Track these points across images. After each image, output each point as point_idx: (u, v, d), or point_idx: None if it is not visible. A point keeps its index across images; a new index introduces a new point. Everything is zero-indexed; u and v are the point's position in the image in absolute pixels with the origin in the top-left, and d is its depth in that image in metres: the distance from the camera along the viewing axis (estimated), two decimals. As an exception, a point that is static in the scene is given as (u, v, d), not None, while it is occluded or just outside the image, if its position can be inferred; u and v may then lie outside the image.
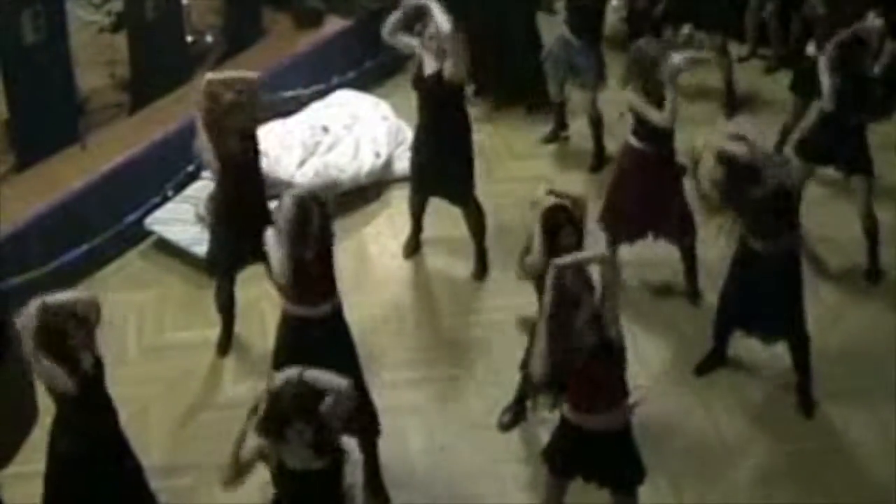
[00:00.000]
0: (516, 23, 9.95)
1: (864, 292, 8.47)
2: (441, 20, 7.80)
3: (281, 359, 6.90)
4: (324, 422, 5.55)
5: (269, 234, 6.64)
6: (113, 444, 6.30)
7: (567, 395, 6.27)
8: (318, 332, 6.76)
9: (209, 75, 7.64)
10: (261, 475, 6.80)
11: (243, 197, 7.47)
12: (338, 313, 6.88)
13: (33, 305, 6.02)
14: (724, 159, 6.98)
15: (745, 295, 7.43)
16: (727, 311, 7.63)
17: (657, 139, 7.93)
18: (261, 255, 7.45)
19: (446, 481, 7.26)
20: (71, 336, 5.97)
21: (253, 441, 5.60)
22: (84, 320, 6.07)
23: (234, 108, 7.39)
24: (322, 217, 6.63)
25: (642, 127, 7.93)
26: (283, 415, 5.49)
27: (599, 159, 9.65)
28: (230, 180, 7.50)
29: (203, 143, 7.43)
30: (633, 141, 8.02)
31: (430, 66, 8.00)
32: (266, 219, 7.32)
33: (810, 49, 9.03)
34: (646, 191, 8.02)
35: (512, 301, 8.40)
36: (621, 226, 8.07)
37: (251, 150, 7.57)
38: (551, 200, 6.77)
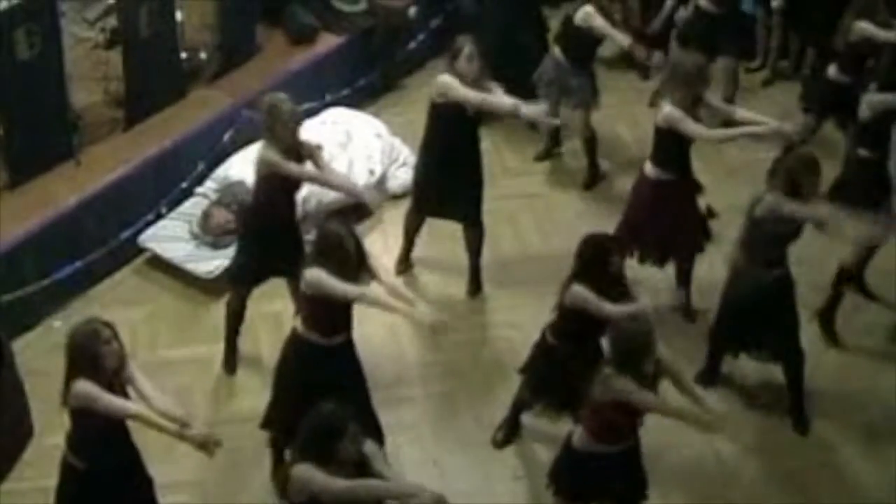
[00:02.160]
0: (525, 47, 9.92)
1: (858, 311, 8.48)
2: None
3: (287, 381, 6.88)
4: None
5: (317, 272, 6.54)
6: (127, 458, 6.31)
7: (587, 430, 6.32)
8: (330, 361, 6.76)
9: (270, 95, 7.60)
10: (256, 479, 6.85)
11: (279, 210, 7.47)
12: (350, 342, 6.89)
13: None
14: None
15: (741, 318, 7.45)
16: (722, 333, 7.65)
17: (678, 164, 7.93)
18: (283, 271, 7.55)
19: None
20: (108, 345, 6.03)
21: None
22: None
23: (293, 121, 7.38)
24: (358, 248, 6.66)
25: (663, 151, 7.89)
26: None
27: (593, 178, 9.66)
28: (271, 192, 7.45)
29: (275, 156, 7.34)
30: (651, 169, 7.96)
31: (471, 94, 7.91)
32: (295, 235, 7.44)
33: (832, 72, 9.07)
34: (666, 221, 8.00)
35: (505, 318, 8.43)
36: (638, 250, 8.09)
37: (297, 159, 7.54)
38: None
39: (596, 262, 6.71)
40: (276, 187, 7.45)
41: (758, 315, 7.36)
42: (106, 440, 6.15)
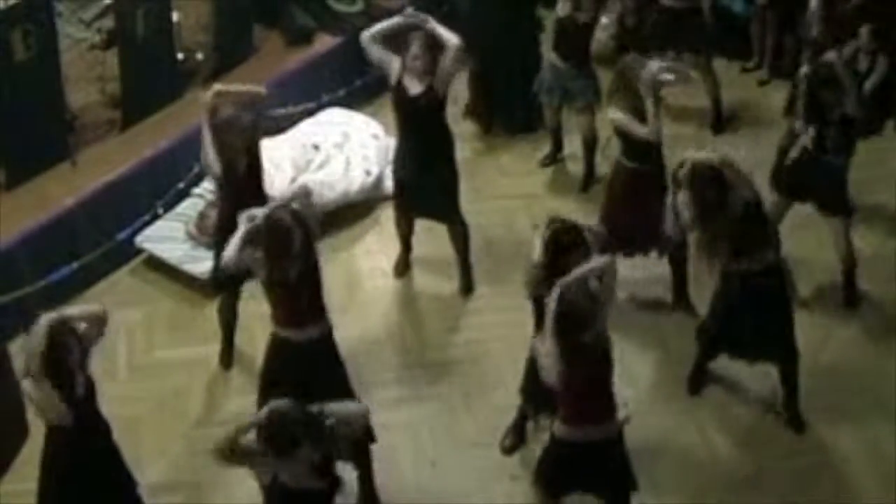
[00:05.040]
0: (519, 47, 9.92)
1: (850, 311, 8.48)
2: (448, 35, 7.84)
3: (269, 382, 6.88)
4: (331, 447, 5.64)
5: (234, 236, 6.58)
6: (106, 461, 6.30)
7: (560, 411, 6.30)
8: (306, 356, 6.76)
9: (216, 86, 7.65)
10: (252, 480, 6.82)
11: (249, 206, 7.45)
12: (327, 336, 6.88)
13: (42, 325, 5.98)
14: (696, 174, 6.99)
15: (734, 319, 7.43)
16: (714, 337, 7.64)
17: (647, 157, 7.96)
18: None
19: (437, 499, 7.26)
20: (69, 353, 5.96)
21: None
22: (82, 338, 6.07)
23: (232, 124, 7.39)
24: (304, 235, 6.61)
25: (631, 147, 7.95)
26: (293, 436, 5.52)
27: (589, 179, 9.64)
28: (233, 194, 7.45)
29: (210, 155, 7.41)
30: (624, 160, 8.04)
31: (414, 87, 7.97)
32: None
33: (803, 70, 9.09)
34: (639, 209, 8.00)
35: (502, 318, 8.41)
36: (616, 243, 8.07)
37: (253, 165, 7.56)
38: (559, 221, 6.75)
39: (558, 250, 6.67)
40: (240, 187, 7.43)
41: (749, 315, 7.35)
42: (82, 442, 6.16)
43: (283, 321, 6.76)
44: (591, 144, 9.55)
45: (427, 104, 7.99)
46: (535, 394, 7.09)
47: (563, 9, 9.00)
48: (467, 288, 8.71)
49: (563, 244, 6.60)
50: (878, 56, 9.25)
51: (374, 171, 9.35)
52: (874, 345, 8.22)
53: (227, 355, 8.05)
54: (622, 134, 7.95)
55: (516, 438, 7.54)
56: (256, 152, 7.58)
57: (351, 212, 9.27)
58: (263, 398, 6.88)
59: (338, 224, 9.08)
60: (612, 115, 7.87)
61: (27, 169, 8.58)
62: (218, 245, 7.71)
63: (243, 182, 7.49)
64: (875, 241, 8.69)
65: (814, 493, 7.29)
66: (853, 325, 8.38)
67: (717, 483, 7.35)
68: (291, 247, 6.54)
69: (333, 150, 9.30)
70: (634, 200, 8.03)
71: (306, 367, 6.71)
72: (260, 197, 7.59)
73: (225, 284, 7.80)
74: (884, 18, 8.95)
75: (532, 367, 7.07)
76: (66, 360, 5.98)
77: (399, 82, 7.98)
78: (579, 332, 6.05)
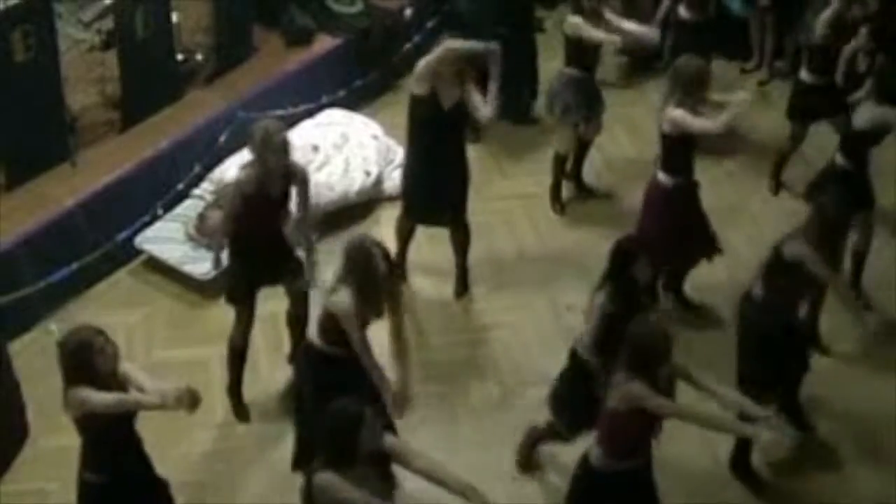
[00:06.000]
0: (517, 45, 9.90)
1: (852, 318, 8.49)
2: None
3: (312, 398, 6.76)
4: None
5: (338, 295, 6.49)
6: (142, 467, 6.30)
7: (606, 444, 6.20)
8: (349, 372, 6.67)
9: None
10: (255, 481, 6.84)
11: (263, 224, 7.33)
12: None
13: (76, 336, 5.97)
14: None
15: (767, 356, 7.41)
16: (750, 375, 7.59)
17: (685, 169, 7.92)
18: (274, 280, 7.48)
19: (437, 499, 7.23)
20: (104, 357, 5.92)
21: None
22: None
23: (268, 141, 7.12)
24: (387, 268, 6.53)
25: (673, 157, 7.87)
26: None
27: (578, 176, 9.64)
28: (254, 208, 7.25)
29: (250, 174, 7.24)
30: (663, 176, 7.92)
31: (447, 99, 7.90)
32: (281, 244, 7.36)
33: (803, 74, 9.09)
34: (680, 225, 7.99)
35: (501, 319, 8.42)
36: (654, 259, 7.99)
37: (286, 188, 7.40)
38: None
39: (622, 267, 6.67)
40: (259, 203, 7.25)
41: (782, 355, 7.24)
42: (118, 450, 6.12)
43: (331, 340, 6.68)
44: (586, 147, 9.51)
45: (457, 115, 7.98)
46: (577, 411, 6.95)
47: (572, 28, 8.84)
48: (462, 291, 8.71)
49: (627, 255, 6.66)
50: (877, 56, 9.26)
51: (374, 171, 9.36)
52: (875, 346, 8.23)
53: (237, 386, 7.79)
54: (671, 140, 7.82)
55: (528, 464, 7.46)
56: (291, 172, 7.35)
57: (350, 213, 9.26)
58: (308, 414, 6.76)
59: (336, 225, 9.07)
60: (673, 112, 7.70)
61: (27, 169, 8.58)
62: (240, 256, 7.51)
63: (278, 204, 7.34)
64: (875, 242, 8.66)
65: (815, 494, 7.30)
66: (853, 327, 8.38)
67: (719, 484, 7.36)
68: (379, 280, 6.49)
69: (332, 151, 9.30)
70: (675, 216, 7.98)
71: (349, 382, 6.58)
72: (284, 218, 7.49)
73: (236, 298, 7.60)
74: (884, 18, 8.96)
75: (575, 382, 6.93)
76: (100, 365, 5.93)
77: (433, 92, 7.89)
78: (655, 369, 5.92)
